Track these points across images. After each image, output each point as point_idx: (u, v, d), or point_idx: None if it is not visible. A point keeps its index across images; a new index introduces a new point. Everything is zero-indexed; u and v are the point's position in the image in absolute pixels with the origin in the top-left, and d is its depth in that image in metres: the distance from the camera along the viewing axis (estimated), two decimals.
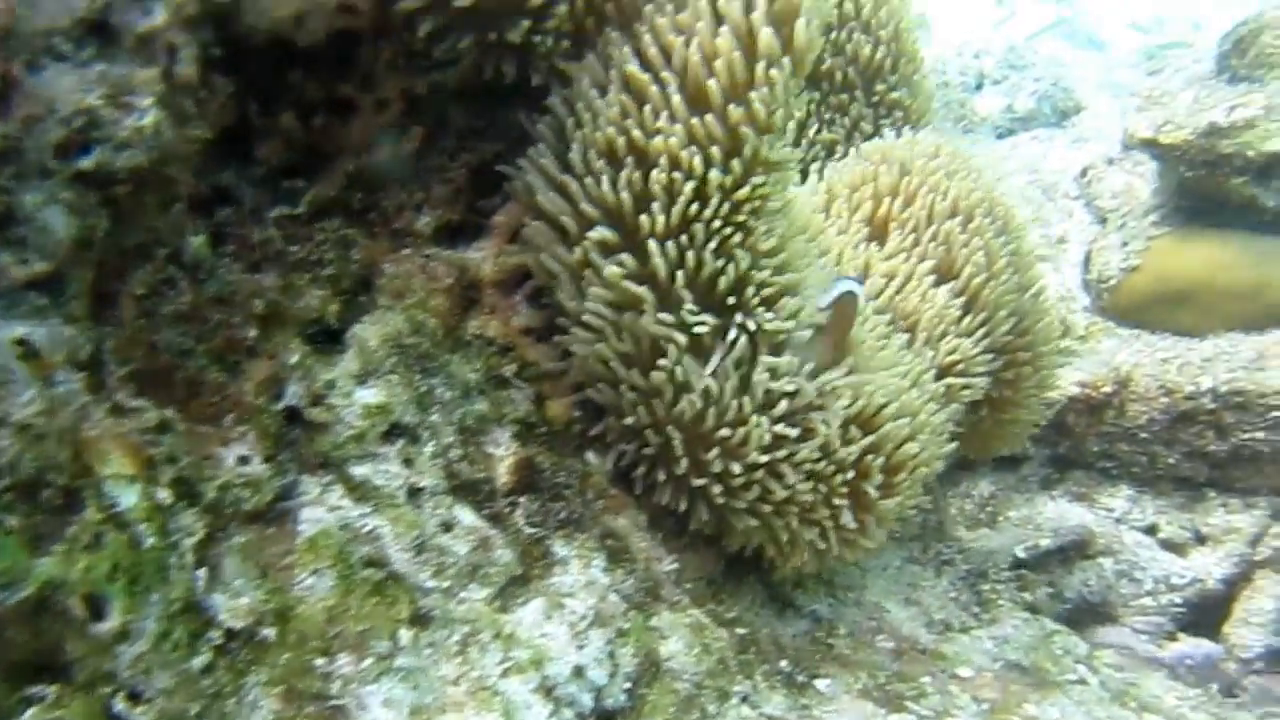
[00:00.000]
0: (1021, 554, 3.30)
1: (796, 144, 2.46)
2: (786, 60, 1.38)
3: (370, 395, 1.38)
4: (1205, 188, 3.77)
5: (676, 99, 1.36)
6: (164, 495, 1.03)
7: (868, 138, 2.50)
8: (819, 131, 2.52)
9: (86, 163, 0.97)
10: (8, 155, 0.92)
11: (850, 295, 1.59)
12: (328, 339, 1.38)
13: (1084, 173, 4.89)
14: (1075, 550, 3.35)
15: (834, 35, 2.47)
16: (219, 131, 1.24)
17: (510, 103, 1.51)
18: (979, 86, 6.26)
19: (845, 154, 2.35)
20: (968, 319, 1.89)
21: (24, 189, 0.94)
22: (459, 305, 1.54)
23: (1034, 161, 5.36)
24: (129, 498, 0.99)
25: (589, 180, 1.41)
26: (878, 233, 1.95)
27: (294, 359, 1.31)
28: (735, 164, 1.41)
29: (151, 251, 1.14)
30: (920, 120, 2.62)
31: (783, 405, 1.54)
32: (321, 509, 1.28)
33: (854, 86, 2.55)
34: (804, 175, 2.35)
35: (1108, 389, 3.39)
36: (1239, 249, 3.80)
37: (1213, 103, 3.77)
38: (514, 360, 1.57)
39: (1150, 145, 3.84)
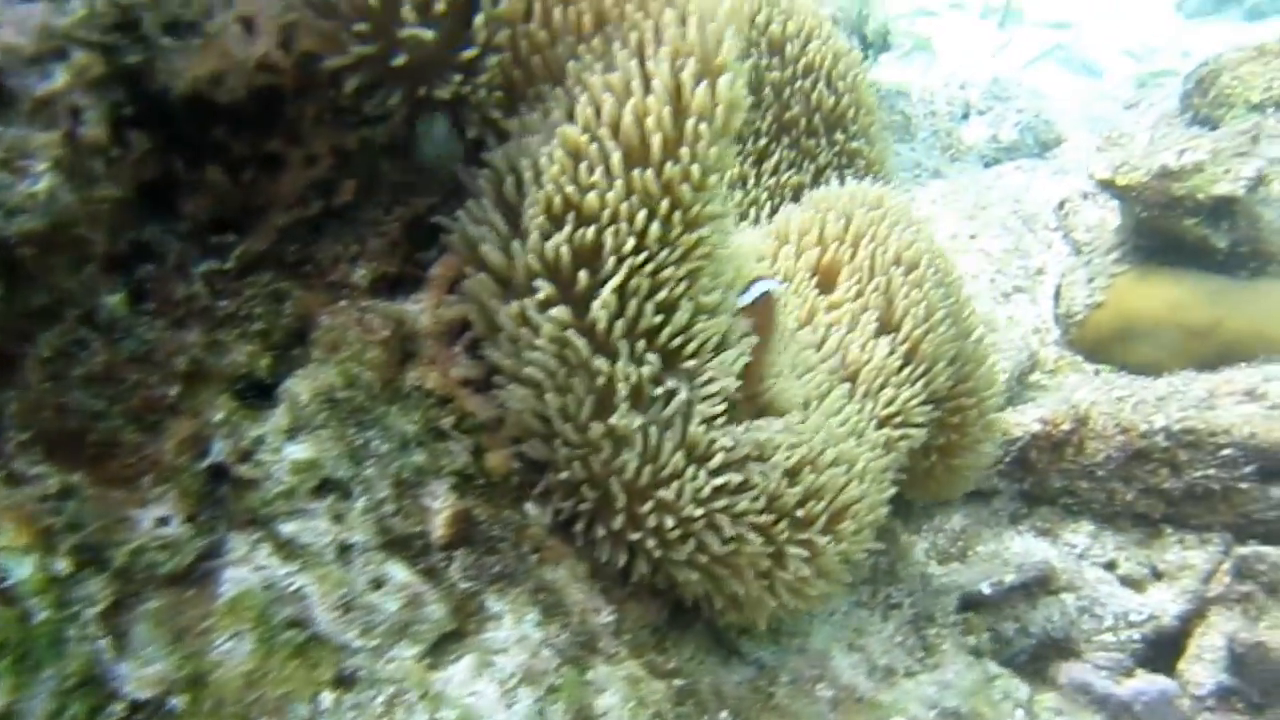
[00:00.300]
0: (987, 590, 3.27)
1: (749, 189, 2.46)
2: (720, 109, 1.36)
3: (300, 451, 1.34)
4: (1161, 228, 3.79)
5: (615, 157, 1.33)
6: (63, 565, 0.99)
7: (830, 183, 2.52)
8: (787, 176, 2.53)
9: None
10: None
11: (768, 296, 1.56)
12: (258, 394, 1.34)
13: (1061, 205, 4.92)
14: (1038, 586, 3.31)
15: (800, 84, 2.50)
16: (138, 188, 1.21)
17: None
18: (965, 116, 6.34)
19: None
20: (907, 370, 1.87)
21: None
22: (397, 357, 1.50)
23: (1017, 191, 5.39)
24: (22, 570, 0.94)
25: (531, 235, 1.38)
26: (823, 281, 1.93)
27: (219, 416, 1.27)
28: (674, 218, 1.39)
29: (61, 312, 1.10)
30: (877, 170, 2.63)
31: (719, 458, 1.51)
32: (246, 569, 1.24)
33: (819, 133, 2.57)
34: (772, 215, 2.37)
35: (1067, 426, 3.37)
36: (1194, 288, 3.82)
37: (1166, 145, 3.79)
38: (453, 412, 1.53)
39: (1109, 186, 3.86)
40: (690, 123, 1.34)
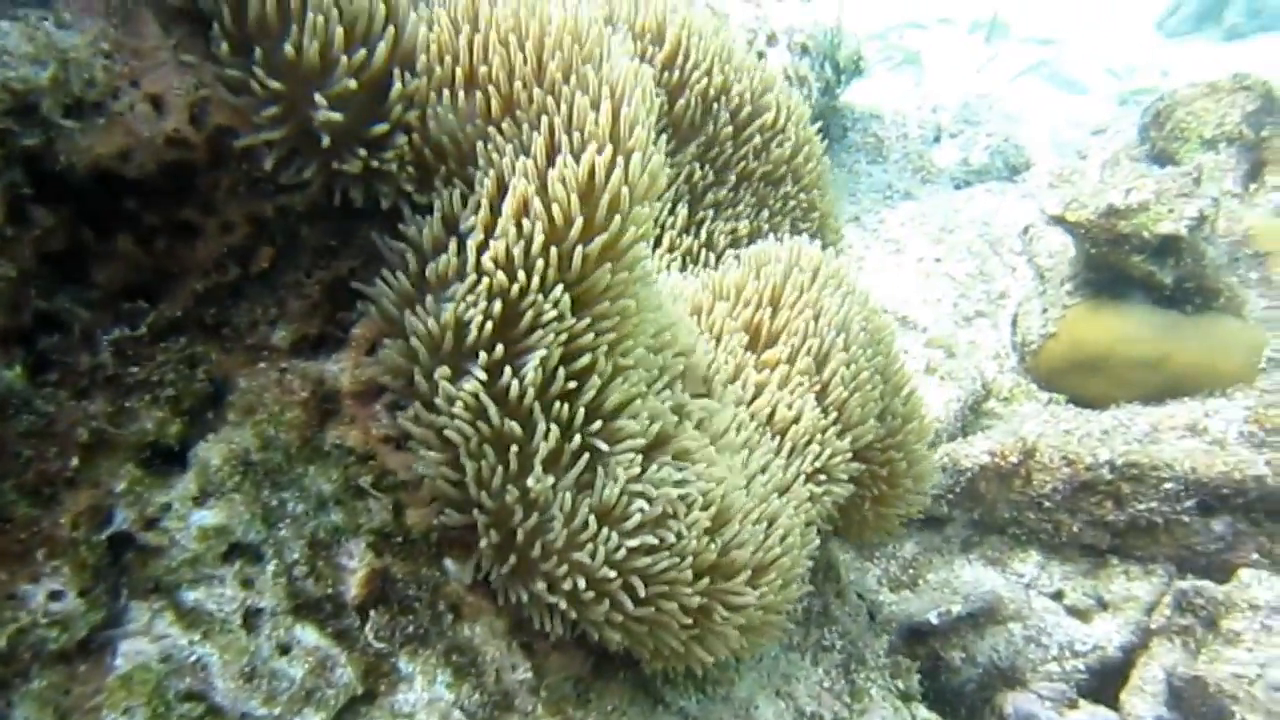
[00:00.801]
0: (935, 619, 3.25)
1: (699, 234, 2.44)
2: (632, 189, 1.34)
3: (208, 516, 1.31)
4: (1110, 263, 3.78)
5: (536, 236, 1.31)
6: None
7: (782, 236, 2.52)
8: (735, 224, 2.53)
9: None
10: None
11: None
12: (167, 461, 1.31)
13: (1026, 230, 4.92)
14: (986, 616, 3.29)
15: (754, 139, 2.51)
16: (44, 261, 1.18)
17: (364, 221, 1.45)
18: (937, 139, 6.35)
19: None
20: (834, 428, 1.85)
21: None
22: (317, 417, 1.47)
23: (986, 214, 5.38)
24: None
25: (447, 307, 1.36)
26: (754, 340, 1.91)
27: (122, 485, 1.24)
28: (589, 290, 1.37)
29: None
30: (826, 220, 2.63)
31: (635, 519, 1.48)
32: (144, 640, 1.20)
33: (771, 183, 2.58)
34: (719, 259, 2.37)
35: (1014, 458, 3.35)
36: (1142, 321, 3.82)
37: (1114, 183, 3.79)
38: (373, 470, 1.50)
39: (1060, 221, 3.85)
40: (604, 203, 1.32)
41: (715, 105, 2.48)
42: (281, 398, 1.43)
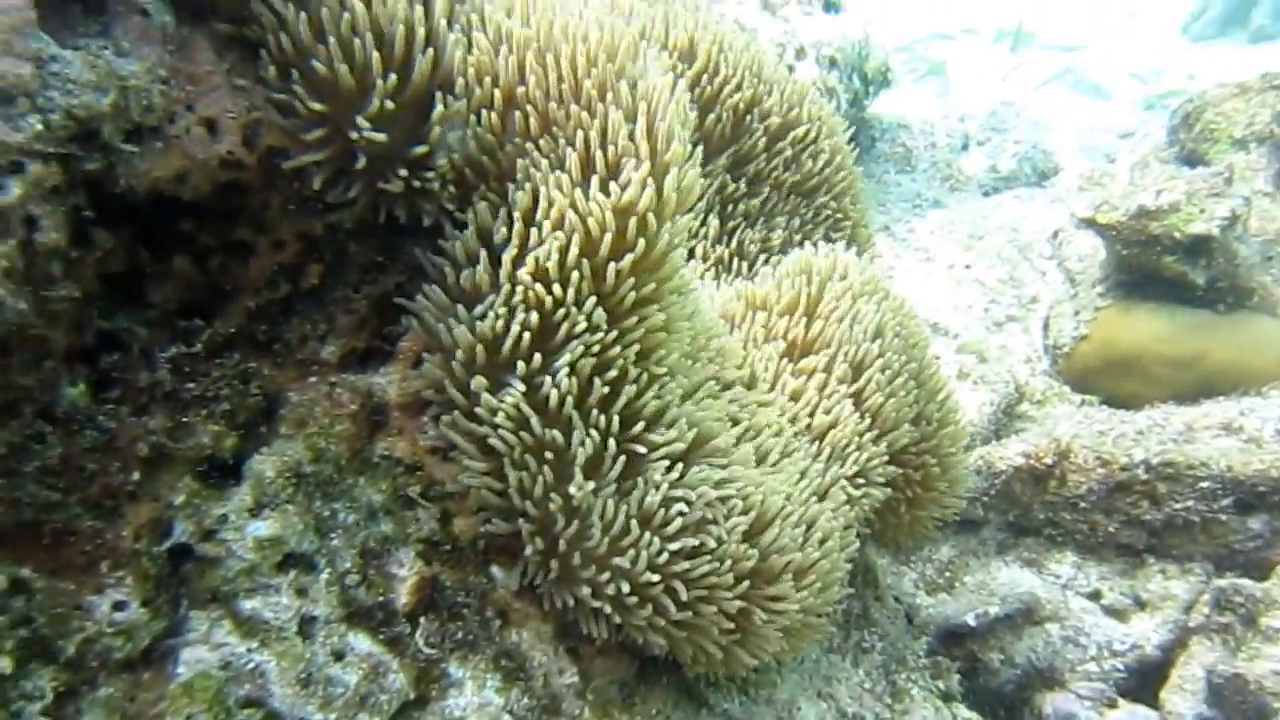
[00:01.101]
0: (972, 621, 3.19)
1: (731, 244, 2.43)
2: (666, 204, 1.32)
3: (264, 527, 1.31)
4: (1142, 264, 3.71)
5: (570, 250, 1.30)
6: (3, 663, 0.96)
7: (816, 243, 2.50)
8: (770, 234, 2.51)
9: None
10: None
11: None
12: (223, 474, 1.32)
13: (1055, 234, 4.84)
14: (1023, 616, 3.23)
15: (790, 151, 2.50)
16: (104, 282, 1.19)
17: (409, 237, 1.45)
18: (965, 147, 6.29)
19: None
20: (870, 433, 1.82)
21: None
22: (365, 429, 1.47)
23: (1015, 220, 5.31)
24: None
25: (486, 320, 1.35)
26: (790, 348, 1.89)
27: (181, 498, 1.24)
28: (623, 303, 1.36)
29: (18, 408, 1.08)
30: (859, 229, 2.60)
31: (676, 523, 1.46)
32: (204, 648, 1.21)
33: (811, 193, 2.56)
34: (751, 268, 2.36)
35: (1049, 460, 3.29)
36: (1175, 321, 3.74)
37: (1144, 185, 3.71)
38: (420, 480, 1.50)
39: (1090, 224, 3.78)
40: (638, 216, 1.31)
41: (747, 118, 2.46)
42: (331, 411, 1.43)
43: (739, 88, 2.37)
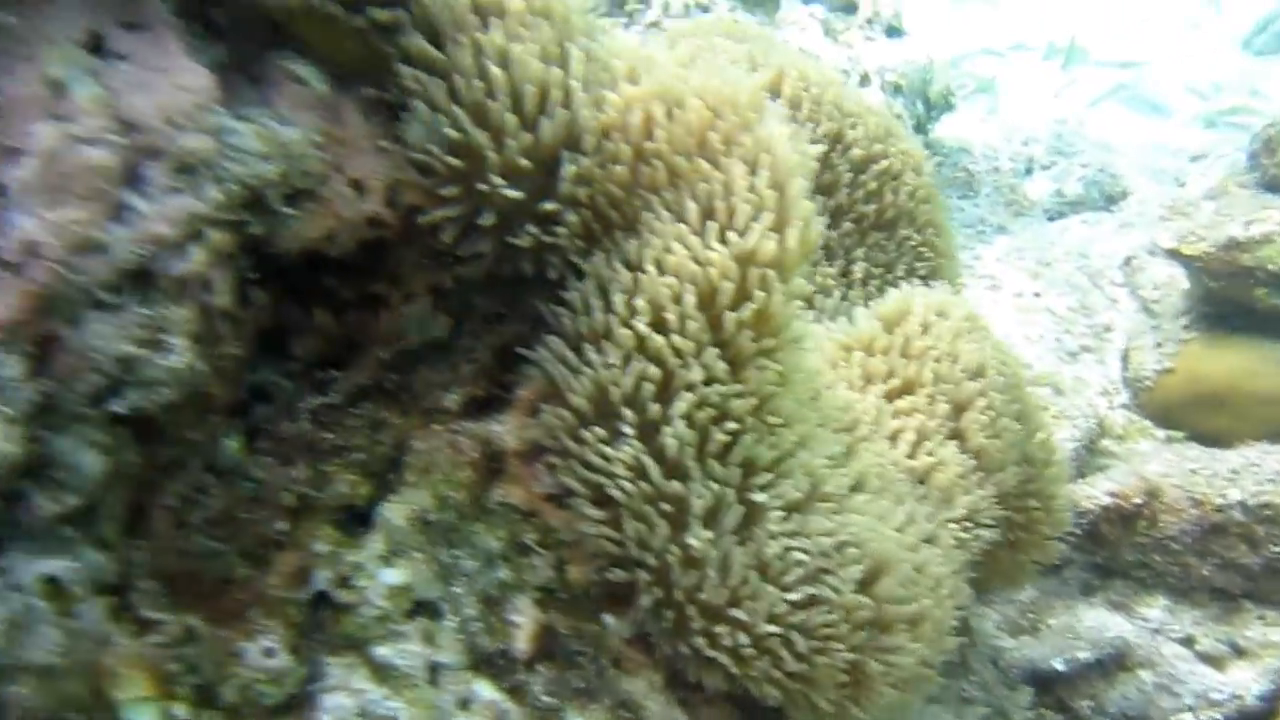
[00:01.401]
0: (1060, 666, 3.14)
1: (818, 284, 2.45)
2: (789, 257, 1.37)
3: (395, 575, 1.36)
4: (1231, 297, 3.65)
5: (689, 300, 1.35)
6: (181, 711, 1.02)
7: (899, 277, 2.52)
8: (854, 270, 2.54)
9: (119, 406, 0.99)
10: (44, 409, 0.93)
11: None
12: (356, 521, 1.38)
13: (1127, 261, 4.78)
14: (1114, 662, 3.18)
15: (874, 184, 2.52)
16: (256, 338, 1.26)
17: (531, 289, 1.51)
18: (1029, 171, 6.26)
19: (880, 293, 2.38)
20: (976, 475, 1.83)
21: (57, 437, 0.95)
22: (484, 476, 1.53)
23: (1083, 245, 5.24)
24: None
25: (605, 370, 1.40)
26: (889, 389, 1.91)
27: (321, 546, 1.30)
28: (742, 354, 1.40)
29: (186, 461, 1.15)
30: (945, 260, 2.61)
31: (794, 574, 1.49)
32: (343, 694, 1.26)
33: (895, 226, 2.58)
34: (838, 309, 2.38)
35: (1138, 500, 3.24)
36: (1267, 356, 3.67)
37: (1232, 214, 3.66)
38: (536, 527, 1.54)
39: (1175, 255, 3.74)
40: (756, 273, 1.35)
41: (830, 154, 2.50)
42: (454, 458, 1.49)
43: (823, 122, 2.41)
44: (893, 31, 6.23)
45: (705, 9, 5.68)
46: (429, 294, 1.43)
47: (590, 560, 1.55)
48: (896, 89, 5.97)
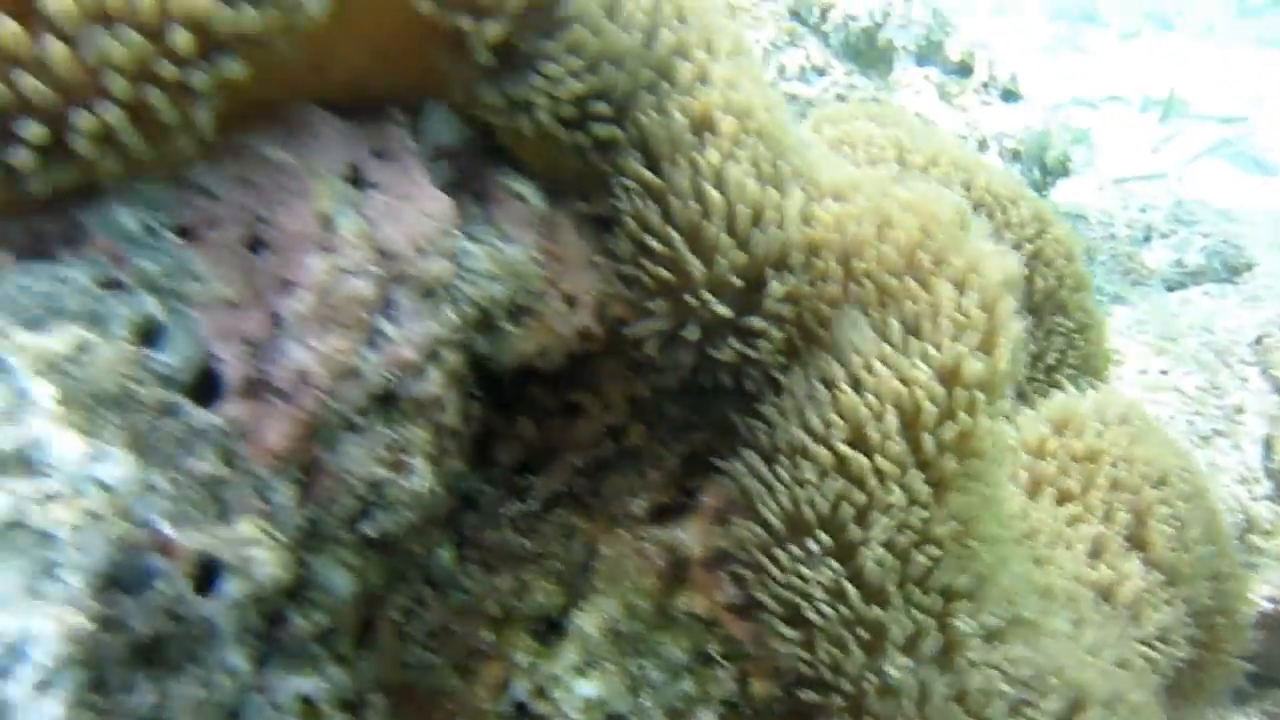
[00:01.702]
0: None
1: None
2: (998, 379, 1.34)
3: (589, 688, 1.36)
4: None
5: (891, 420, 1.33)
6: None
7: (1050, 367, 2.45)
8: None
9: (370, 529, 1.01)
10: (308, 533, 0.96)
11: None
12: (549, 629, 1.38)
13: (1259, 340, 4.56)
14: None
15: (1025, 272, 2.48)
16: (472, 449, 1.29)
17: (722, 398, 1.51)
18: (1147, 239, 6.10)
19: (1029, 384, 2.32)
20: (1167, 590, 1.75)
21: (315, 559, 0.98)
22: (668, 584, 1.51)
23: (1206, 319, 5.04)
24: None
25: (802, 488, 1.39)
26: (1066, 497, 1.85)
27: (522, 657, 1.31)
28: (946, 477, 1.36)
29: (408, 575, 1.17)
30: (1093, 352, 2.54)
31: (995, 706, 1.43)
32: None
33: (1039, 310, 2.53)
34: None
35: None
36: None
37: None
38: (718, 638, 1.52)
39: None
40: (963, 395, 1.32)
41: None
42: (640, 565, 1.48)
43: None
44: (1009, 95, 6.16)
45: (821, 72, 5.72)
46: (626, 403, 1.44)
47: (774, 676, 1.52)
48: (1015, 155, 5.89)
